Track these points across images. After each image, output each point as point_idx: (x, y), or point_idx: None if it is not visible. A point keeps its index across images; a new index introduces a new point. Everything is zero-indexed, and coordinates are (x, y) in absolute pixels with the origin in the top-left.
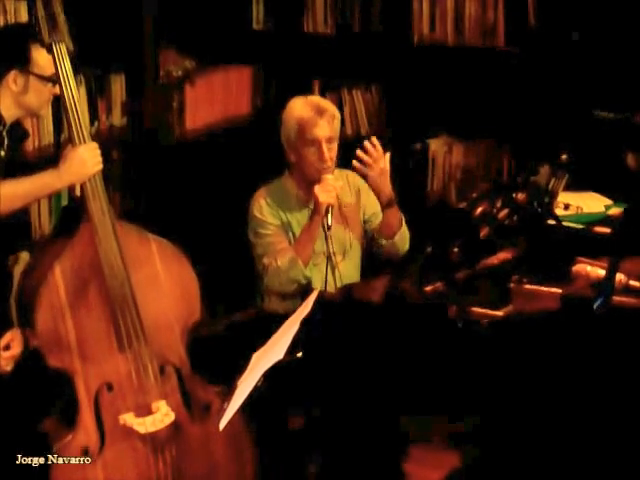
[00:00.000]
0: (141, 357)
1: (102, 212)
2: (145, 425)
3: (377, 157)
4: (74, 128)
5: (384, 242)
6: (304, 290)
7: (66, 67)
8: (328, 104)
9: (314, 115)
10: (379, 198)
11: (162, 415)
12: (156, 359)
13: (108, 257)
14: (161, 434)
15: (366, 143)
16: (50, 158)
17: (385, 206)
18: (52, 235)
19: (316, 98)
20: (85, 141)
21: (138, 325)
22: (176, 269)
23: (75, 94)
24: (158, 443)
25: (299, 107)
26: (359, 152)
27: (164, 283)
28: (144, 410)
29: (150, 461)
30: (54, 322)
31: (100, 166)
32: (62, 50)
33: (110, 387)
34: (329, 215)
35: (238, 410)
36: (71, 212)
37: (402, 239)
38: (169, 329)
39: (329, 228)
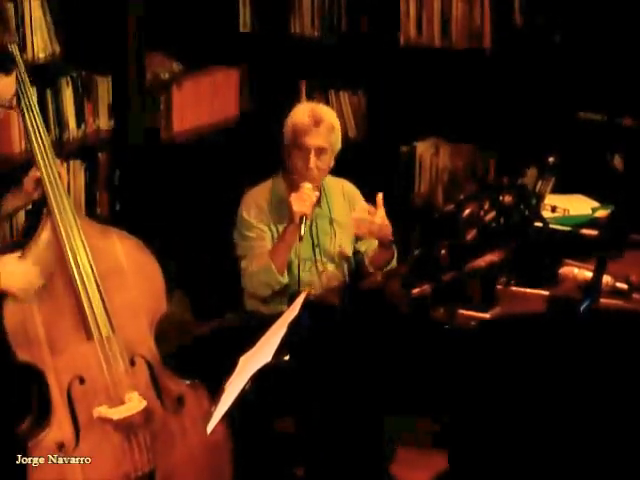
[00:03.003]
0: (110, 347)
1: (63, 205)
2: (119, 411)
3: (372, 219)
4: (33, 130)
5: (372, 271)
6: (292, 294)
7: (20, 66)
8: (329, 115)
9: (310, 123)
10: (379, 241)
11: (136, 402)
12: (126, 351)
13: (71, 248)
14: (134, 420)
15: (357, 213)
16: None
17: (382, 246)
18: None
19: (319, 106)
20: (48, 158)
21: (106, 314)
22: (140, 261)
23: (31, 94)
24: (132, 431)
25: (299, 112)
26: (356, 227)
27: (128, 275)
28: (116, 402)
29: (126, 451)
30: (22, 316)
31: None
32: (16, 50)
33: (82, 380)
34: (302, 225)
35: (214, 404)
36: (34, 215)
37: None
38: (137, 321)
39: (301, 239)
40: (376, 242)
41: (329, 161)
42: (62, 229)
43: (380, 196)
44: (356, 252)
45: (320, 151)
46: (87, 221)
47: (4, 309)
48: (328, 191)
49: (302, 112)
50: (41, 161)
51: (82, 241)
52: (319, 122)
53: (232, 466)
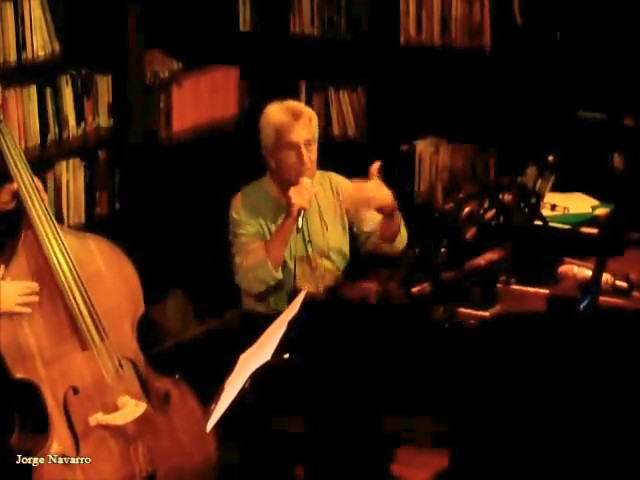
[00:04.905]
0: (103, 354)
1: (43, 214)
2: (123, 416)
3: (361, 192)
4: (3, 143)
5: (385, 245)
6: (291, 292)
7: None
8: (303, 107)
9: (290, 120)
10: (383, 211)
11: (133, 406)
12: (115, 355)
13: (57, 257)
14: (133, 426)
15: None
16: (35, 160)
17: (387, 215)
18: None
19: (291, 103)
20: (21, 170)
21: (97, 321)
22: (116, 264)
23: None
24: (131, 435)
25: (275, 113)
26: (349, 204)
27: (108, 279)
28: (111, 408)
29: (126, 455)
30: (14, 333)
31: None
32: None
33: (75, 390)
34: (300, 218)
35: (195, 396)
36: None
37: (402, 239)
38: (120, 324)
39: (298, 231)
40: (379, 217)
41: (316, 151)
42: (46, 240)
43: (375, 166)
44: (360, 234)
45: (308, 143)
46: (65, 230)
47: None
48: (315, 185)
49: (277, 112)
50: (17, 174)
51: (66, 251)
52: (298, 116)
53: (218, 457)
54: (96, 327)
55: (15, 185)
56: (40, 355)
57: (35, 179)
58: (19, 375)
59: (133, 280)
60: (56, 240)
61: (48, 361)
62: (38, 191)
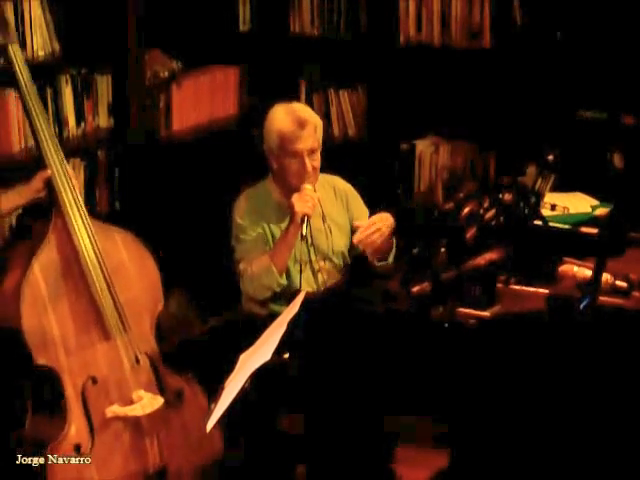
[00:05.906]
0: (123, 346)
1: (75, 201)
2: (142, 407)
3: (372, 232)
4: (39, 130)
5: (377, 263)
6: (292, 293)
7: (22, 66)
8: (310, 114)
9: (296, 128)
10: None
11: (150, 399)
12: (133, 349)
13: (85, 245)
14: (147, 420)
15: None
16: (35, 159)
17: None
18: (12, 238)
19: (298, 107)
20: (56, 156)
21: (121, 311)
22: (140, 260)
23: (34, 93)
24: (146, 430)
25: (280, 118)
26: (355, 238)
27: (131, 272)
28: (126, 400)
29: (140, 449)
30: (39, 319)
31: None
32: (17, 50)
33: (94, 380)
34: (304, 225)
35: (203, 394)
36: (28, 216)
37: (390, 259)
38: (140, 318)
39: (303, 238)
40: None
41: (319, 157)
42: (76, 228)
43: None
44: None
45: (312, 151)
46: (90, 219)
47: (22, 314)
48: (318, 189)
49: (283, 118)
50: (50, 160)
51: (95, 240)
52: (304, 125)
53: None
54: (120, 317)
55: (49, 171)
56: (63, 342)
57: (67, 166)
58: (41, 361)
59: (154, 275)
60: (85, 228)
61: (70, 349)
62: (70, 178)
